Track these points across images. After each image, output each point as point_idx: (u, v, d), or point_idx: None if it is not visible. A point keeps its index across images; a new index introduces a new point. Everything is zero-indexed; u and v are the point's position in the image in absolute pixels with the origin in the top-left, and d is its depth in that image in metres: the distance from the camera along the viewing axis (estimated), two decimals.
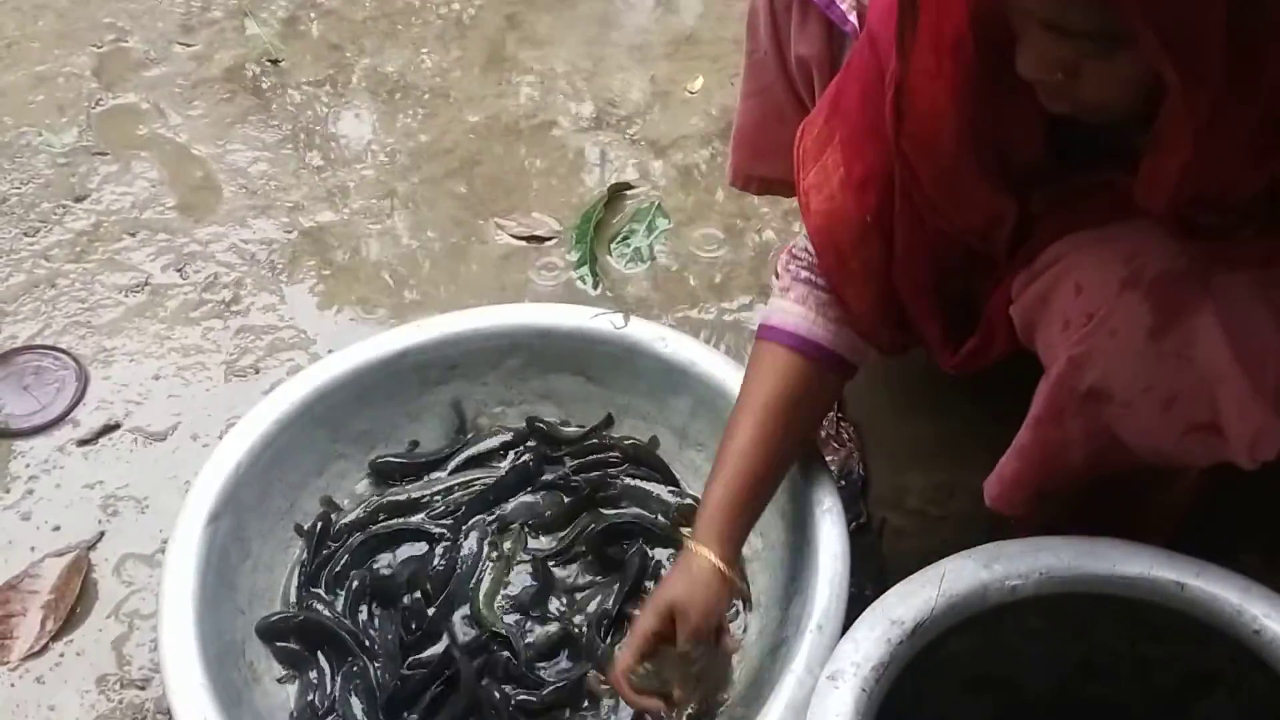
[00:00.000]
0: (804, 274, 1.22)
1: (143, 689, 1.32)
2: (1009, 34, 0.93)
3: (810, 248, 1.20)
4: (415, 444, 1.46)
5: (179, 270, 1.73)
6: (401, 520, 1.41)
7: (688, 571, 1.17)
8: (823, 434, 1.51)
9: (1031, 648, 1.11)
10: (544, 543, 1.41)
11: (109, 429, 1.54)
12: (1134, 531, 1.34)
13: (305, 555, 1.36)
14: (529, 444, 1.47)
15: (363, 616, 1.34)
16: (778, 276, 1.25)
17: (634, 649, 1.16)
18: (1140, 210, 0.98)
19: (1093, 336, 1.00)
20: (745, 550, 1.36)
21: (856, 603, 1.21)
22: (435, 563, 1.37)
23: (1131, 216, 1.00)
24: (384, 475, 1.44)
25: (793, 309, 1.21)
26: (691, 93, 1.97)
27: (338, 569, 1.36)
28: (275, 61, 2.01)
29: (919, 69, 0.99)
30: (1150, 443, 1.05)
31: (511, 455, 1.46)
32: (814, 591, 1.19)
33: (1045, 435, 1.10)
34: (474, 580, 1.35)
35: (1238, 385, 0.97)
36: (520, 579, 1.37)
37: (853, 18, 1.25)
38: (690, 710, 1.20)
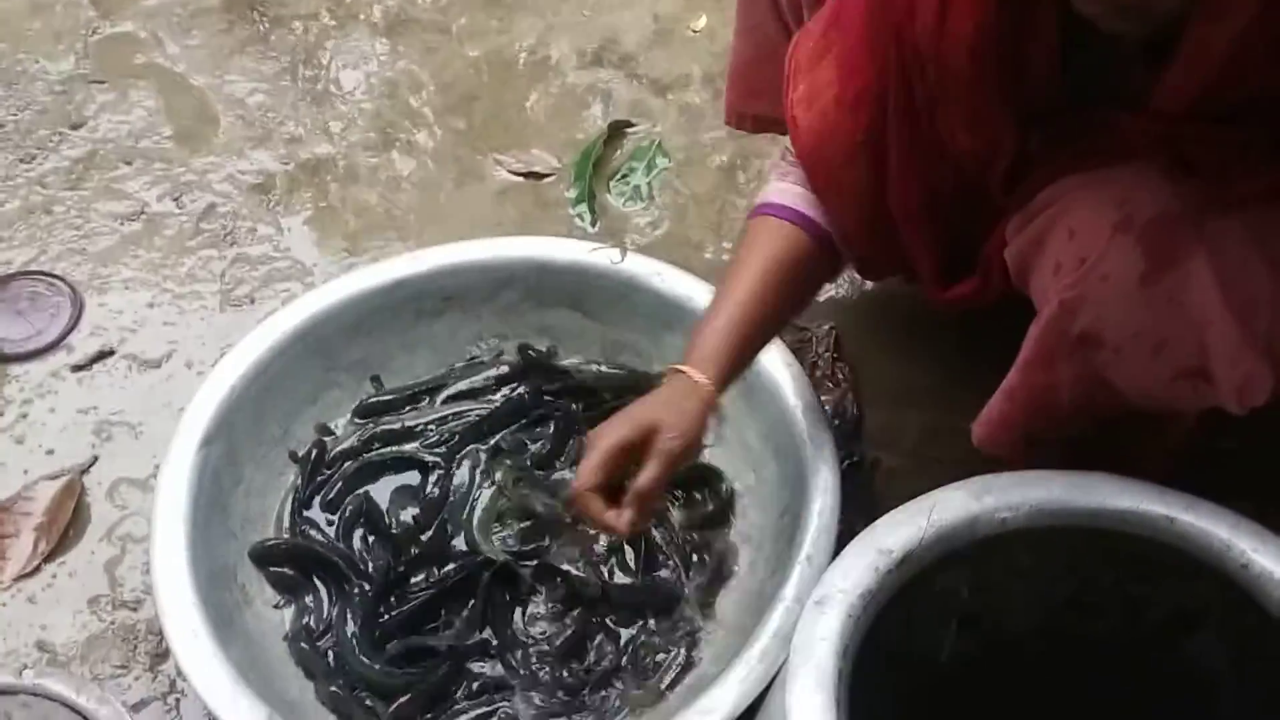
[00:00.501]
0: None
1: (134, 610, 1.33)
2: None
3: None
4: (377, 379, 1.45)
5: (175, 199, 1.72)
6: (395, 449, 1.41)
7: (675, 392, 1.12)
8: (818, 373, 1.51)
9: (1020, 585, 1.12)
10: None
11: (103, 355, 1.54)
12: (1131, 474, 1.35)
13: (299, 481, 1.36)
14: (522, 377, 1.46)
15: (357, 544, 1.35)
16: (772, 165, 1.24)
17: (601, 462, 1.07)
18: (1137, 151, 0.97)
19: (1084, 281, 1.00)
20: (739, 485, 1.37)
21: (848, 540, 1.22)
22: (429, 490, 1.37)
23: (1129, 159, 0.99)
24: (371, 415, 1.44)
25: (793, 189, 1.21)
26: (694, 31, 1.95)
27: (331, 495, 1.36)
28: None
29: None
30: (1140, 387, 1.05)
31: (505, 389, 1.45)
32: (804, 523, 1.20)
33: (1034, 378, 1.10)
34: (467, 509, 1.36)
35: (1227, 331, 0.96)
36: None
37: None
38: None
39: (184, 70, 1.89)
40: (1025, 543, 1.06)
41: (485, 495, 1.37)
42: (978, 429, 1.21)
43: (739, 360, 1.17)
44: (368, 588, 1.28)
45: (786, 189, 1.21)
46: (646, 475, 1.08)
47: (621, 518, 1.07)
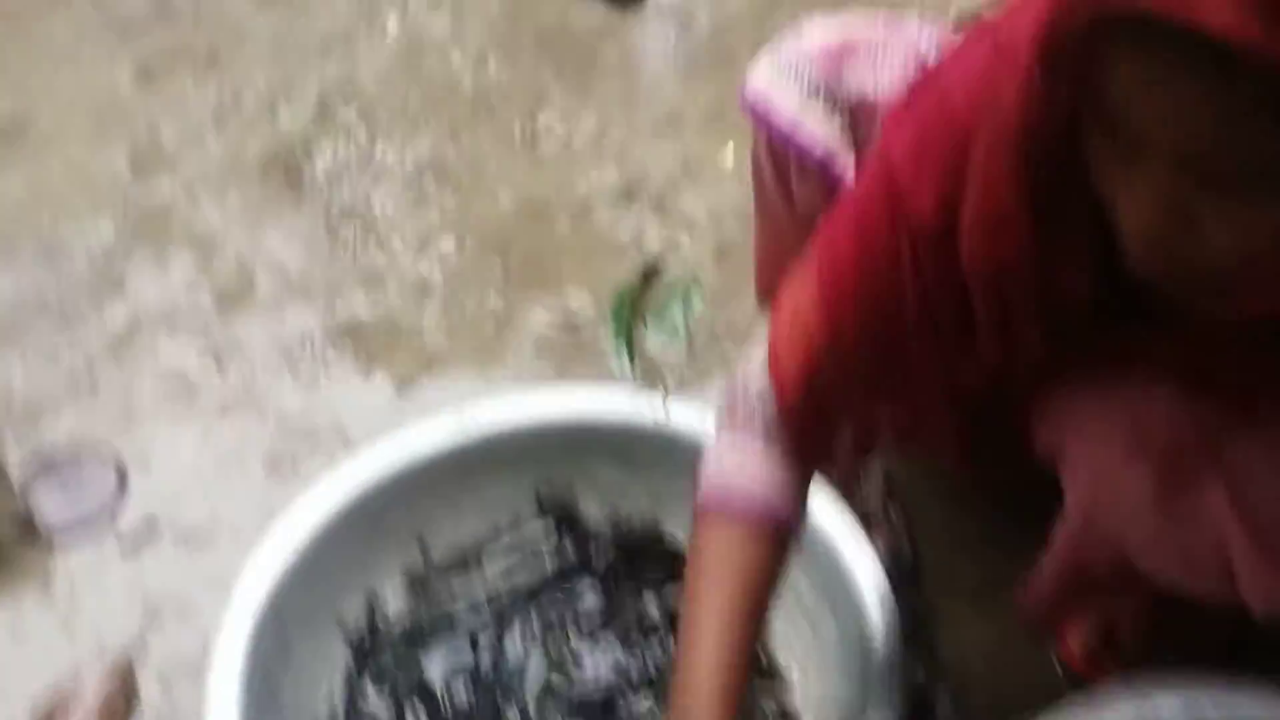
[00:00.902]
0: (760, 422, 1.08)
1: None
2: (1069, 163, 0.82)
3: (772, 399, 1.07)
4: (422, 542, 1.43)
5: (216, 364, 1.73)
6: (445, 614, 1.39)
7: None
8: (870, 516, 1.48)
9: None
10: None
11: (150, 532, 1.54)
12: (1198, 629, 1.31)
13: (350, 660, 1.34)
14: (565, 538, 1.44)
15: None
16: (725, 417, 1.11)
17: None
18: (1156, 367, 0.93)
19: (1102, 497, 0.99)
20: (798, 646, 1.34)
21: (909, 692, 1.19)
22: (479, 661, 1.35)
23: (1147, 373, 0.94)
24: (420, 585, 1.42)
25: (751, 465, 1.07)
26: (723, 166, 1.96)
27: (380, 673, 1.34)
28: (307, 149, 2.02)
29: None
30: (1171, 584, 1.02)
31: (552, 550, 1.44)
32: (868, 687, 1.16)
33: (1070, 565, 1.10)
34: (521, 680, 1.33)
35: (1249, 555, 0.93)
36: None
37: (850, 174, 1.22)
38: None
39: (221, 231, 1.91)
40: None
41: (535, 663, 1.34)
42: (1023, 608, 1.20)
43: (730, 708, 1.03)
44: None
45: (744, 465, 1.07)
46: None
47: None
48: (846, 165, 1.22)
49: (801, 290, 1.04)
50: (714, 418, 1.13)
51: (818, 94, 1.21)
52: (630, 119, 2.04)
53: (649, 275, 1.80)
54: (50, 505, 1.56)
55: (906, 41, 1.22)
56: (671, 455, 1.42)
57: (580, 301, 1.78)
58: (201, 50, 2.18)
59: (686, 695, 1.02)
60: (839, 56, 1.21)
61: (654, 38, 2.19)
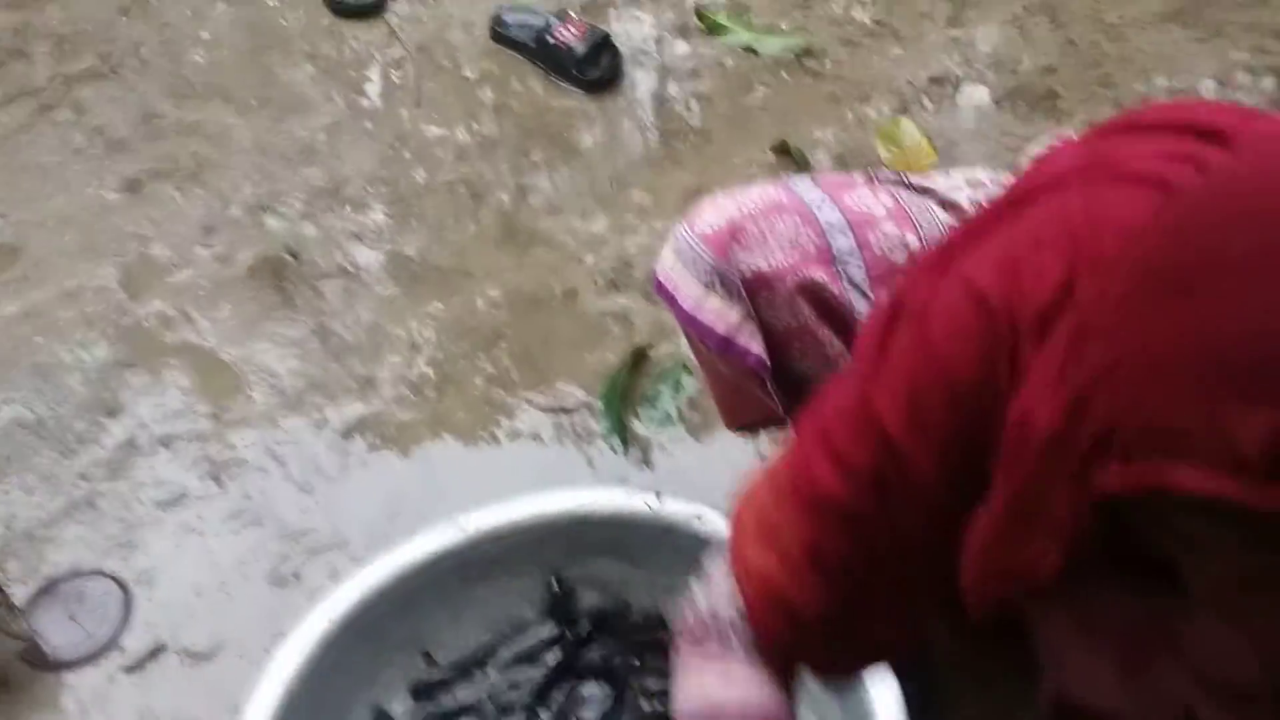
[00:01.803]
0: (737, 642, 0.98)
1: None
2: None
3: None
4: (428, 655, 1.44)
5: (215, 479, 1.74)
6: None
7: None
8: None
9: None
10: None
11: (156, 652, 1.55)
12: None
13: None
14: (567, 637, 1.45)
15: None
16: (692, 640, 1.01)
17: None
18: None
19: (1066, 681, 0.92)
20: None
21: None
22: None
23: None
24: (425, 695, 1.42)
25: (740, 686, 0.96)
26: None
27: None
28: (295, 255, 2.04)
29: None
30: None
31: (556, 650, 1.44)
32: None
33: None
34: None
35: (1214, 713, 0.84)
36: None
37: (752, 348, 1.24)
38: None
39: (214, 344, 1.93)
40: None
41: None
42: None
43: None
44: None
45: (730, 684, 0.96)
46: None
47: None
48: (749, 342, 1.24)
49: (768, 538, 0.94)
50: (677, 637, 1.03)
51: (713, 278, 1.24)
52: (613, 203, 2.07)
53: (638, 362, 1.82)
54: (55, 630, 1.57)
55: (800, 212, 1.24)
56: (669, 546, 1.44)
57: (572, 392, 1.80)
58: (187, 162, 2.21)
59: None
60: (727, 240, 1.23)
61: (630, 121, 2.22)
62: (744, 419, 1.44)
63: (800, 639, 0.94)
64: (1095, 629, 0.88)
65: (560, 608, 1.46)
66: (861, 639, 0.96)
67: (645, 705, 1.41)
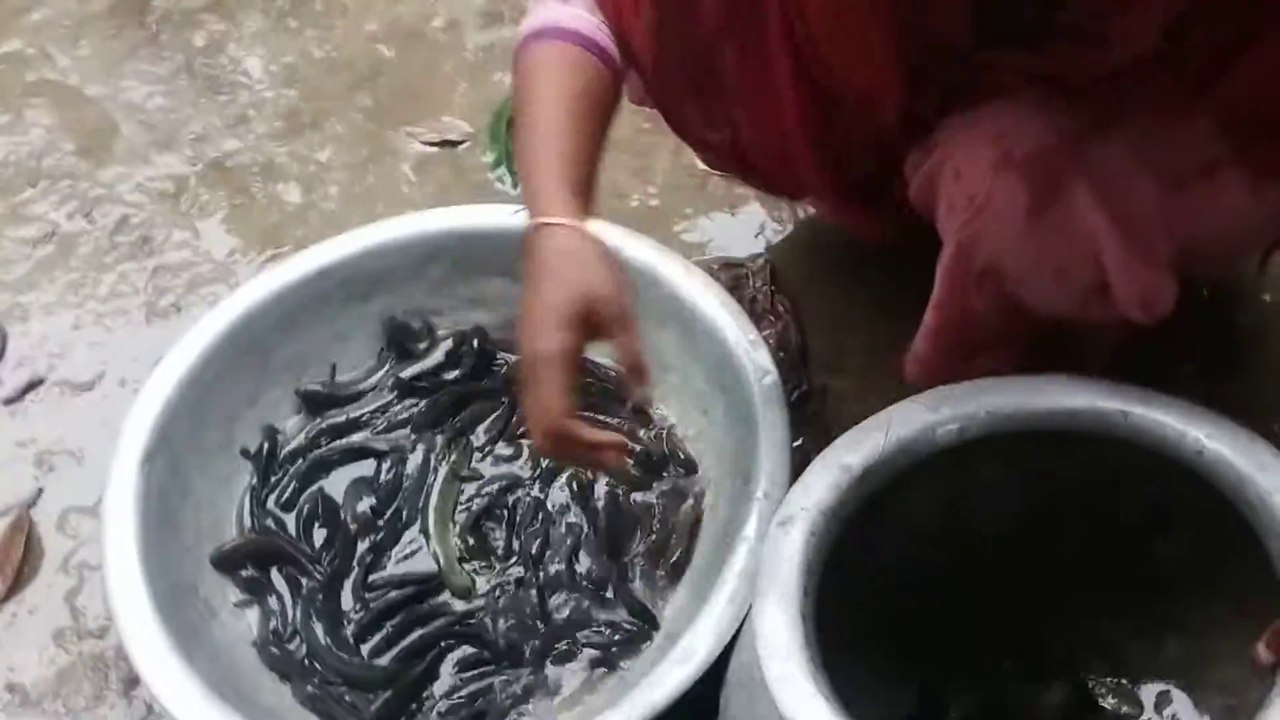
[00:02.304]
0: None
1: (100, 638, 1.31)
2: None
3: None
4: (334, 367, 1.43)
5: (86, 216, 1.68)
6: (344, 441, 1.39)
7: (569, 254, 0.98)
8: (757, 307, 1.50)
9: (989, 498, 1.12)
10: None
11: (34, 384, 1.51)
12: (1074, 368, 1.36)
13: (254, 481, 1.34)
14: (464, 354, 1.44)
15: (318, 542, 1.33)
16: None
17: (566, 378, 0.94)
18: (1017, 87, 0.95)
19: (976, 220, 1.01)
20: (691, 430, 1.36)
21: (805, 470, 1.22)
22: (382, 478, 1.36)
23: (1009, 94, 0.98)
24: (314, 404, 1.41)
25: (583, 16, 1.07)
26: None
27: (285, 496, 1.34)
28: None
29: None
30: (1053, 309, 1.06)
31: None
32: (758, 460, 1.19)
33: (950, 314, 1.11)
34: (423, 496, 1.34)
35: (1119, 251, 0.97)
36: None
37: None
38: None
39: (77, 82, 1.84)
40: (987, 453, 1.06)
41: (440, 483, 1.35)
42: (909, 368, 1.21)
43: (587, 197, 1.05)
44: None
45: (577, 15, 1.07)
46: (626, 354, 1.00)
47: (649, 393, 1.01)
48: None
49: None
50: None
51: None
52: None
53: None
54: None
55: None
56: None
57: (457, 125, 1.75)
58: None
59: (549, 189, 1.00)
60: None
61: None
62: None
63: None
64: (1007, 149, 0.96)
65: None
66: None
67: None
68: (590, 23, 1.07)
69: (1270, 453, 0.92)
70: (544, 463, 1.34)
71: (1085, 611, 1.14)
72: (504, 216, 1.43)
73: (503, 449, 1.38)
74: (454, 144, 1.73)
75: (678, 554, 1.26)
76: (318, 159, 1.73)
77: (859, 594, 1.10)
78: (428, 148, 1.73)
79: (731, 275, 1.54)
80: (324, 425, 1.39)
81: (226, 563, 1.29)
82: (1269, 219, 1.09)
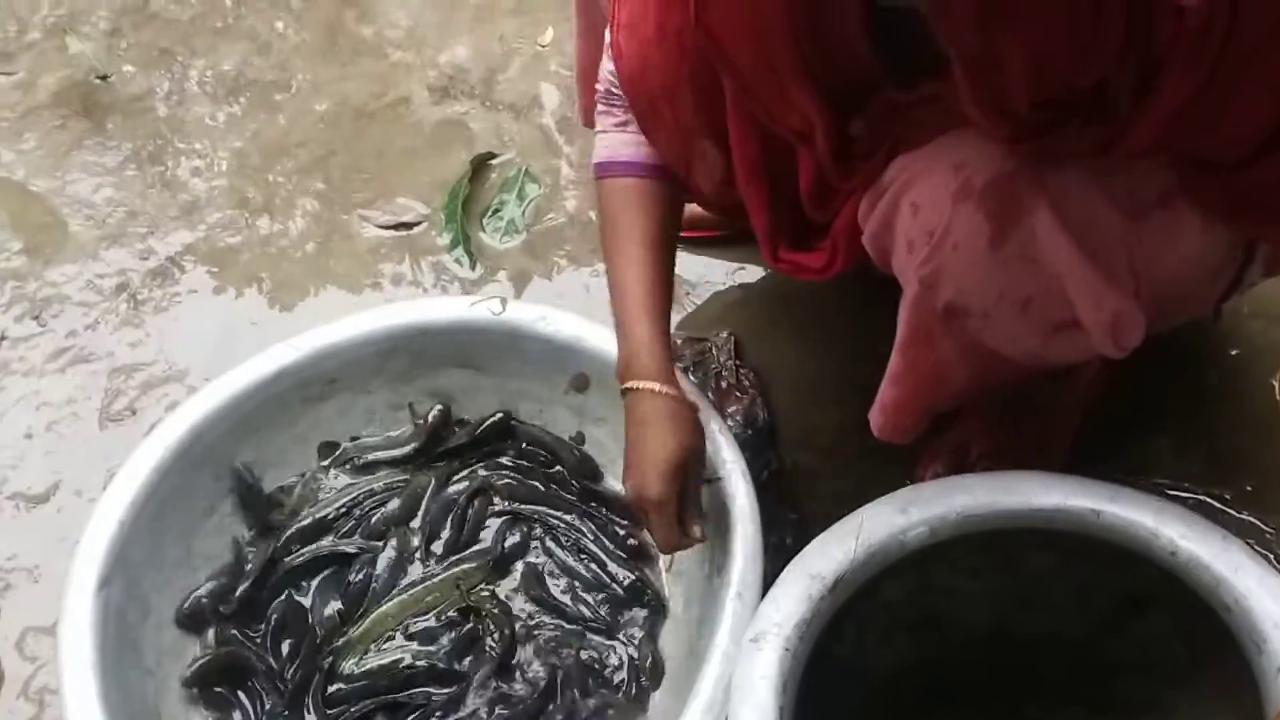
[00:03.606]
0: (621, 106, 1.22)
1: None
2: None
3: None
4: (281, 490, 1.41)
5: (35, 318, 1.64)
6: (313, 547, 1.36)
7: (668, 420, 1.14)
8: (723, 384, 1.48)
9: (968, 585, 1.10)
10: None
11: None
12: (1043, 430, 1.34)
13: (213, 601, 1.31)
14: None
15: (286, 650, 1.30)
16: (599, 114, 1.24)
17: (673, 520, 1.13)
18: (965, 121, 0.95)
19: (936, 255, 0.98)
20: None
21: (780, 554, 1.19)
22: (352, 579, 1.33)
23: (957, 128, 0.97)
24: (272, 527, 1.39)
25: (635, 139, 1.21)
26: (543, 46, 1.90)
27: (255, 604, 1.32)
28: (104, 77, 1.90)
29: None
30: (1021, 348, 1.03)
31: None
32: (730, 557, 1.17)
33: (916, 358, 1.09)
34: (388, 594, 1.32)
35: (1085, 276, 0.95)
36: None
37: None
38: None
39: (23, 177, 1.80)
40: (963, 546, 1.04)
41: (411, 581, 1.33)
42: (875, 419, 1.19)
43: (669, 345, 1.20)
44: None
45: (629, 139, 1.21)
46: (691, 503, 1.16)
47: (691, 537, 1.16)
48: None
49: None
50: (597, 119, 1.26)
51: None
52: (442, 9, 1.96)
53: (479, 170, 1.75)
54: None
55: None
56: (515, 354, 1.40)
57: (412, 206, 1.72)
58: None
59: (624, 314, 1.18)
60: None
61: None
62: None
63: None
64: (967, 180, 0.96)
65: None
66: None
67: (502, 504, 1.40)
68: (634, 142, 1.21)
69: (1244, 553, 0.90)
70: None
71: (1065, 697, 1.12)
72: (459, 309, 1.41)
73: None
74: (409, 226, 1.70)
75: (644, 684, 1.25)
76: (271, 247, 1.70)
77: (839, 687, 1.08)
78: (383, 231, 1.71)
79: (696, 350, 1.53)
80: (291, 530, 1.37)
81: (199, 680, 1.26)
82: (1223, 259, 1.08)
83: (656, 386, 1.14)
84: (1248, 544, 0.96)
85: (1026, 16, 0.81)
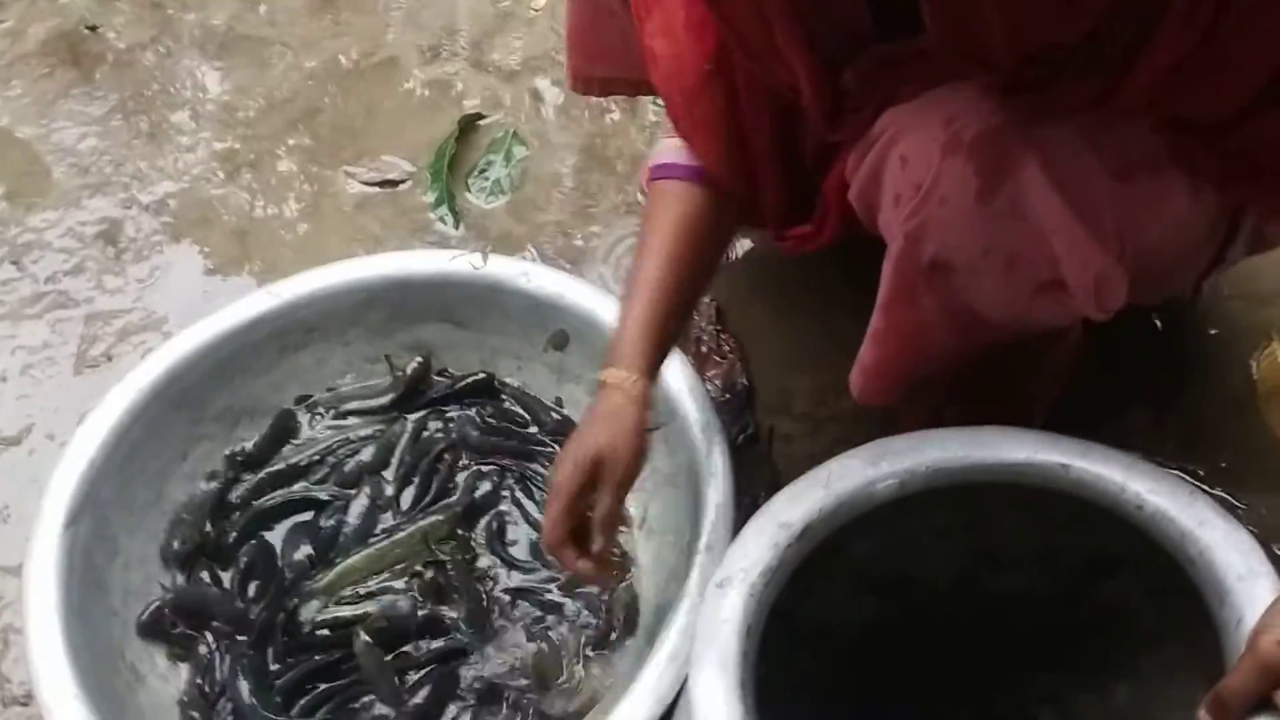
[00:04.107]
0: None
1: (26, 705, 1.27)
2: None
3: None
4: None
5: (15, 263, 1.63)
6: (285, 491, 1.36)
7: (608, 410, 1.09)
8: (703, 349, 1.47)
9: (938, 544, 1.10)
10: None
11: None
12: (1021, 401, 1.34)
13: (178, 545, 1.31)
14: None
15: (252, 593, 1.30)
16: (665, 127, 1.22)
17: (562, 511, 1.07)
18: (954, 75, 0.94)
19: (923, 208, 0.98)
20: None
21: (753, 513, 1.19)
22: (324, 524, 1.33)
23: (948, 81, 0.96)
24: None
25: (677, 143, 1.18)
26: (535, 10, 1.89)
27: (225, 547, 1.31)
28: (93, 28, 1.89)
29: None
30: (1003, 309, 1.03)
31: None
32: (701, 511, 1.17)
33: (898, 317, 1.08)
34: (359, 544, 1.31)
35: (1072, 234, 0.95)
36: None
37: None
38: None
39: (8, 123, 1.80)
40: (933, 502, 1.04)
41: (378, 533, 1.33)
42: (855, 382, 1.19)
43: (664, 339, 1.15)
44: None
45: (677, 144, 1.18)
46: (601, 509, 1.08)
47: (588, 560, 1.08)
48: None
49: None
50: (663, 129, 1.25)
51: None
52: None
53: (466, 131, 1.74)
54: None
55: None
56: (498, 309, 1.40)
57: (397, 164, 1.72)
58: None
59: (617, 344, 1.13)
60: None
61: None
62: (600, 67, 1.38)
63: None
64: (955, 133, 0.95)
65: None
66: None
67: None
68: (688, 154, 1.17)
69: (1210, 508, 0.90)
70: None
71: (1034, 660, 1.12)
72: (441, 261, 1.41)
73: None
74: (394, 183, 1.70)
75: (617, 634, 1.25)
76: (255, 201, 1.69)
77: (805, 645, 1.08)
78: (368, 188, 1.70)
79: None
80: (264, 475, 1.36)
81: (152, 629, 1.25)
82: (1206, 231, 1.08)
83: (620, 377, 1.11)
84: None
85: None
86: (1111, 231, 0.98)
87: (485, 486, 1.36)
